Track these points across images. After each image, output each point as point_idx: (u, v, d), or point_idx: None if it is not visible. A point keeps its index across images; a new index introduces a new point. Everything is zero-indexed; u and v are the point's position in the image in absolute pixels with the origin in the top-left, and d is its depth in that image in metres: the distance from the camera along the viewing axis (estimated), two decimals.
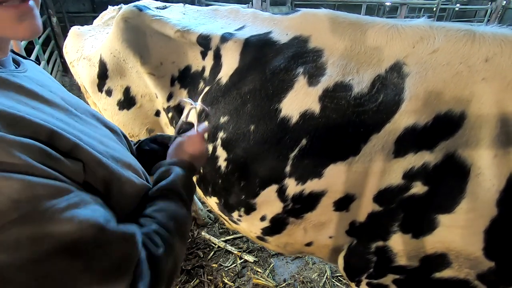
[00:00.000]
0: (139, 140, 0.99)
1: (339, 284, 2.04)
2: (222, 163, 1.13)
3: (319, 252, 1.17)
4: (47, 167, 0.45)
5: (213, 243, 2.31)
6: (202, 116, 1.19)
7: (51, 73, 4.64)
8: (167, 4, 1.48)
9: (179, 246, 0.63)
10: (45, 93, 0.57)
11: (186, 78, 1.28)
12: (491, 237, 0.78)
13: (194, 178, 1.21)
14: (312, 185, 0.97)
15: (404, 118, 0.84)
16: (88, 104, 1.05)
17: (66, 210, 0.44)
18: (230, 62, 1.14)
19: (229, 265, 2.14)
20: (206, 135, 1.11)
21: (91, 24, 1.74)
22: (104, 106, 1.50)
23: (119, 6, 1.64)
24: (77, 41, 1.63)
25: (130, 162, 0.66)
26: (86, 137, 0.56)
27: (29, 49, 3.40)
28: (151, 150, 0.95)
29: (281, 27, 1.12)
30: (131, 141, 0.99)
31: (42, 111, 0.52)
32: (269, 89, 1.03)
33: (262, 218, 1.13)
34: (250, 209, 1.13)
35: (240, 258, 2.19)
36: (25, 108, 0.49)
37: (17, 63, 0.61)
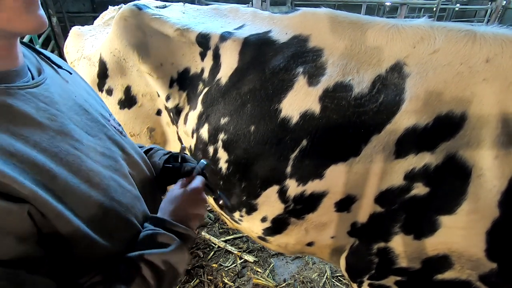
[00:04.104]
0: (169, 154, 0.91)
1: (339, 284, 2.03)
2: (223, 164, 1.13)
3: (320, 252, 1.16)
4: None
5: (213, 243, 2.31)
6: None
7: None
8: (167, 3, 1.47)
9: None
10: (43, 114, 0.52)
11: (185, 80, 1.27)
12: (493, 238, 0.78)
13: None
14: (313, 186, 0.97)
15: (404, 119, 0.84)
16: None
17: None
18: (229, 62, 1.14)
19: (229, 265, 2.14)
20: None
21: (91, 24, 1.74)
22: None
23: (119, 6, 1.63)
24: (77, 41, 1.62)
25: (133, 210, 0.61)
26: (67, 176, 0.50)
27: None
28: (173, 168, 0.87)
29: (281, 26, 1.11)
30: (142, 146, 0.92)
31: (26, 140, 0.48)
32: (268, 89, 1.03)
33: (263, 219, 1.13)
34: (251, 209, 1.13)
35: (240, 258, 2.19)
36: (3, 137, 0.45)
37: (39, 71, 0.58)
